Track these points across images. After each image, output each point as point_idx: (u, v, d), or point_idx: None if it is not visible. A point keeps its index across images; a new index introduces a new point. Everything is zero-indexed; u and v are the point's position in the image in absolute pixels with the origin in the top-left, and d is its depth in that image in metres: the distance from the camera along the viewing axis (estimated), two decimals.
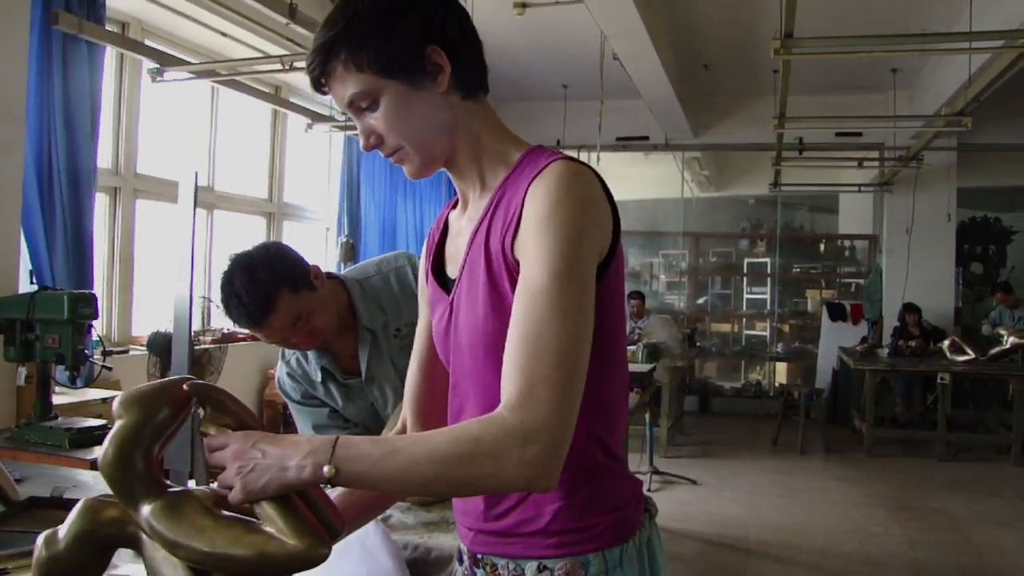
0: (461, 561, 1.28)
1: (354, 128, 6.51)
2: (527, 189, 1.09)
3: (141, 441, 1.01)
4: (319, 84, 1.14)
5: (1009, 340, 7.22)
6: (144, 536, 1.03)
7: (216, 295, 1.85)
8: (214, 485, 1.08)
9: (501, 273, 1.10)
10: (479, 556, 1.21)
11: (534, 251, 1.04)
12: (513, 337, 1.03)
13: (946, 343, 7.47)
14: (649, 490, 4.69)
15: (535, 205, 1.06)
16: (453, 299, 1.19)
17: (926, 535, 5.05)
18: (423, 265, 1.33)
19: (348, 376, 2.04)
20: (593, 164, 1.25)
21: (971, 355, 7.24)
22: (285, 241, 5.93)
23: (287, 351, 2.06)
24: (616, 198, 1.14)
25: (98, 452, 2.75)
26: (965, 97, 5.40)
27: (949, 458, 7.15)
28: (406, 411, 1.39)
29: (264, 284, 1.79)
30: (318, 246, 7.26)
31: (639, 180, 10.17)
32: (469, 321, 1.14)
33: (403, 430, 1.39)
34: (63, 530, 1.02)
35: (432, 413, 1.36)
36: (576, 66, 7.09)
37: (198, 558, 0.99)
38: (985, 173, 9.17)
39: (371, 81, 1.11)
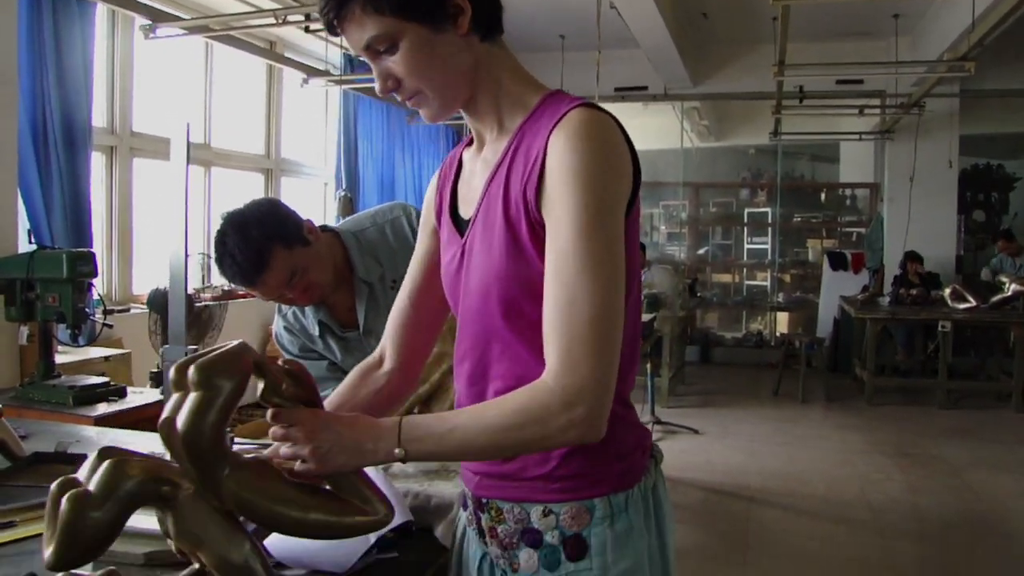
0: (465, 507, 1.29)
1: (350, 82, 6.45)
2: (548, 137, 1.07)
3: (221, 411, 1.00)
4: (333, 27, 1.11)
5: (1011, 288, 7.20)
6: (181, 496, 1.02)
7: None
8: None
9: (519, 218, 1.09)
10: (484, 500, 1.21)
11: (560, 209, 1.04)
12: (548, 301, 1.04)
13: (947, 291, 7.46)
14: None
15: (557, 155, 1.05)
16: (466, 240, 1.18)
17: (927, 481, 5.09)
18: (434, 200, 1.32)
19: (346, 329, 2.03)
20: None
21: (972, 303, 7.23)
22: (283, 197, 5.91)
23: (284, 305, 2.06)
24: None
25: (102, 408, 2.79)
26: (968, 42, 5.33)
27: (950, 406, 7.18)
28: (386, 340, 1.39)
29: (257, 241, 1.77)
30: (316, 201, 7.24)
31: (638, 131, 9.97)
32: (483, 263, 1.13)
33: (379, 360, 1.40)
34: (95, 487, 0.98)
35: (412, 344, 1.38)
36: (573, 15, 7.00)
37: (286, 525, 1.06)
38: (988, 120, 9.10)
39: (391, 24, 1.07)
